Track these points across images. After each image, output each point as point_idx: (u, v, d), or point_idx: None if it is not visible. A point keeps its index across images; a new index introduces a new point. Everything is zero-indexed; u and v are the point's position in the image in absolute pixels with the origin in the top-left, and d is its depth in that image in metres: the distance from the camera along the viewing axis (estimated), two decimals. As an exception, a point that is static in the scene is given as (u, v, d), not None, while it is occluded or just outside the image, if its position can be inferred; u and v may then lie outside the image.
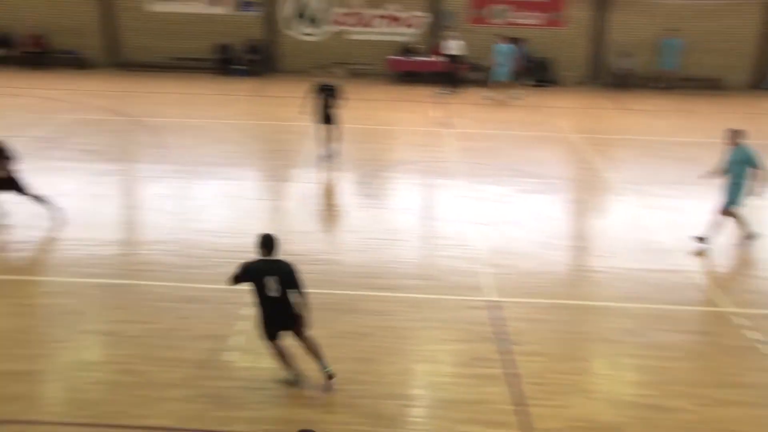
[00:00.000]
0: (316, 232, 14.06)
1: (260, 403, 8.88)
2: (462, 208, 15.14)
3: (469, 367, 9.65)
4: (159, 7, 27.38)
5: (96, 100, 23.25)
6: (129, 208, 15.42)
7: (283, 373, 9.17)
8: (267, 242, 9.04)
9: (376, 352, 9.93)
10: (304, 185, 16.35)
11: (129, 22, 27.75)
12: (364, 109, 22.46)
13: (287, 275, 8.87)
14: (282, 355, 9.04)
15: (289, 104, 22.82)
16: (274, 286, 8.76)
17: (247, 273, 8.92)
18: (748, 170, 12.58)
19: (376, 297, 11.39)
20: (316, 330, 10.36)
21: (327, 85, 17.29)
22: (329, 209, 15.50)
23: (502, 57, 24.50)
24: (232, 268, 12.08)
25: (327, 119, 17.29)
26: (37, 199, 13.56)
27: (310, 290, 11.51)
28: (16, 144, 18.43)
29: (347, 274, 12.14)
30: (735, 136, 12.87)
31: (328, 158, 17.59)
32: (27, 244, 13.18)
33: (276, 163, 17.65)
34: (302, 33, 26.96)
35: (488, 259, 12.76)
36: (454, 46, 25.66)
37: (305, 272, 11.95)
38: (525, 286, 11.91)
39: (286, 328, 9.03)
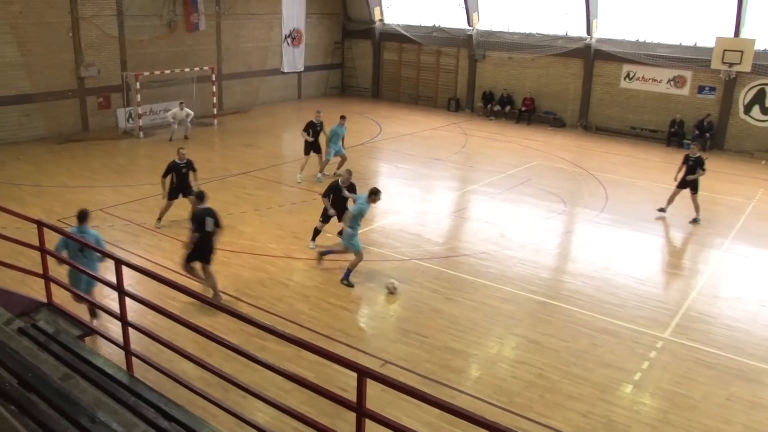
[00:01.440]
0: (729, 299, 12.56)
1: (647, 436, 8.23)
2: None
3: None
4: (629, 85, 26.98)
5: (561, 153, 23.62)
6: (568, 243, 15.35)
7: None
8: (201, 195, 11.18)
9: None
10: (723, 254, 14.77)
11: (601, 95, 27.74)
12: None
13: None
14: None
15: (725, 180, 20.95)
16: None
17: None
18: None
19: (780, 374, 9.84)
20: (710, 388, 9.36)
21: (693, 156, 16.51)
22: (742, 280, 13.68)
23: None
24: (648, 313, 11.51)
25: (686, 186, 16.58)
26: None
27: (714, 351, 10.44)
28: (497, 178, 19.67)
29: (755, 346, 10.66)
30: None
31: (693, 222, 16.54)
32: (487, 256, 13.82)
33: (701, 230, 16.21)
34: (756, 119, 24.48)
35: None
36: None
37: (714, 334, 10.92)
38: None
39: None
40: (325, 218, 13.62)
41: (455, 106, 31.34)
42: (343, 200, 13.47)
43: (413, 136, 25.45)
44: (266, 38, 29.76)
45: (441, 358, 9.80)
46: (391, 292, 11.88)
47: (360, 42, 33.87)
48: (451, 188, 19.27)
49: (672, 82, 26.13)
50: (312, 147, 18.60)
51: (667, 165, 22.73)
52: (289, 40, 30.72)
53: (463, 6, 29.73)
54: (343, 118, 18.95)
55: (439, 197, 18.32)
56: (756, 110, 24.66)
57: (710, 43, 24.37)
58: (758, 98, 24.54)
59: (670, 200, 16.87)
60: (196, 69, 25.29)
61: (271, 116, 28.08)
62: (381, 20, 32.89)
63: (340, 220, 13.47)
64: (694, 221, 16.54)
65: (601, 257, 14.17)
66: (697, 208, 16.57)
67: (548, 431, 8.19)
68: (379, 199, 12.38)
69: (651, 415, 8.74)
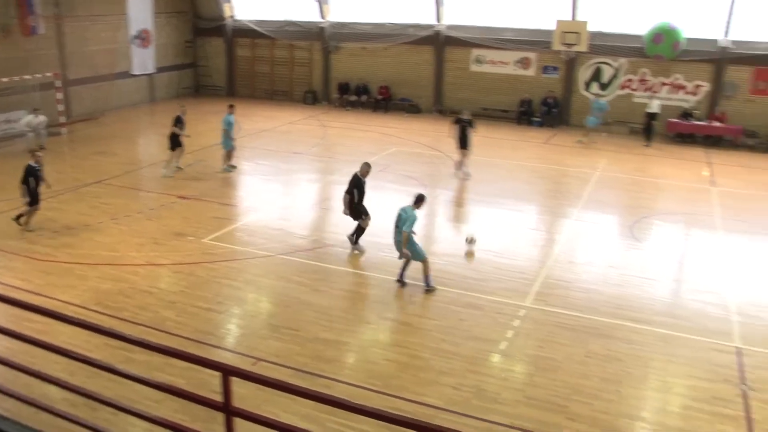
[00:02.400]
0: (582, 264, 13.42)
1: (514, 401, 8.66)
2: (718, 259, 13.73)
3: (707, 404, 8.73)
4: (479, 68, 28.07)
5: (419, 138, 24.23)
6: (431, 225, 15.79)
7: None
8: None
9: (621, 375, 9.30)
10: (574, 222, 15.72)
11: (454, 79, 28.70)
12: (637, 162, 21.33)
13: None
14: None
15: (573, 153, 22.29)
16: None
17: None
18: None
19: (630, 327, 10.66)
20: (570, 348, 9.93)
21: (463, 118, 18.93)
22: (593, 245, 14.62)
23: None
24: (509, 285, 12.07)
25: (462, 145, 18.80)
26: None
27: (572, 313, 11.07)
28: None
29: (606, 304, 11.48)
30: None
31: (466, 176, 18.73)
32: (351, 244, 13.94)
33: (554, 202, 17.21)
34: (594, 94, 26.14)
35: (739, 309, 11.44)
36: (654, 106, 24.47)
37: (571, 297, 11.61)
38: (773, 339, 10.49)
39: None
40: (358, 214, 13.50)
41: (312, 99, 31.31)
42: (363, 194, 13.57)
43: (271, 131, 25.22)
44: (113, 40, 28.40)
45: (313, 349, 9.82)
46: (471, 243, 12.94)
47: (212, 40, 33.06)
48: (313, 181, 19.30)
49: (518, 64, 27.44)
50: (177, 142, 18.63)
51: (519, 142, 23.89)
52: (137, 41, 29.47)
53: (314, -2, 29.75)
54: (231, 107, 19.33)
55: (301, 190, 18.30)
56: (595, 87, 26.38)
57: (551, 26, 25.74)
58: (596, 76, 26.30)
59: (460, 163, 18.95)
60: (38, 76, 23.74)
61: (125, 121, 26.91)
62: (232, 16, 32.26)
63: (354, 216, 13.45)
64: (466, 175, 18.72)
65: (462, 235, 14.65)
66: (466, 164, 18.82)
67: (423, 408, 8.42)
68: (423, 204, 11.97)
69: (519, 380, 9.21)
